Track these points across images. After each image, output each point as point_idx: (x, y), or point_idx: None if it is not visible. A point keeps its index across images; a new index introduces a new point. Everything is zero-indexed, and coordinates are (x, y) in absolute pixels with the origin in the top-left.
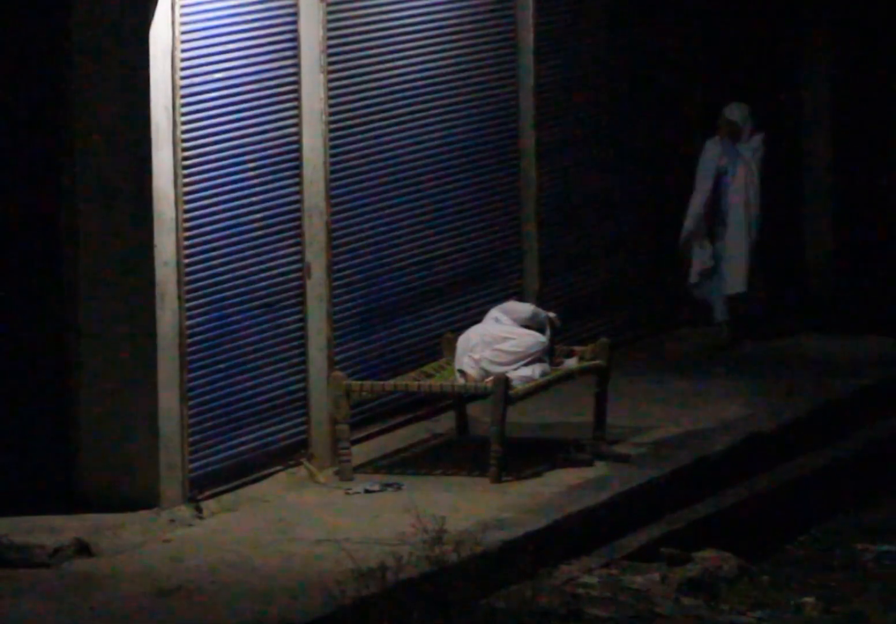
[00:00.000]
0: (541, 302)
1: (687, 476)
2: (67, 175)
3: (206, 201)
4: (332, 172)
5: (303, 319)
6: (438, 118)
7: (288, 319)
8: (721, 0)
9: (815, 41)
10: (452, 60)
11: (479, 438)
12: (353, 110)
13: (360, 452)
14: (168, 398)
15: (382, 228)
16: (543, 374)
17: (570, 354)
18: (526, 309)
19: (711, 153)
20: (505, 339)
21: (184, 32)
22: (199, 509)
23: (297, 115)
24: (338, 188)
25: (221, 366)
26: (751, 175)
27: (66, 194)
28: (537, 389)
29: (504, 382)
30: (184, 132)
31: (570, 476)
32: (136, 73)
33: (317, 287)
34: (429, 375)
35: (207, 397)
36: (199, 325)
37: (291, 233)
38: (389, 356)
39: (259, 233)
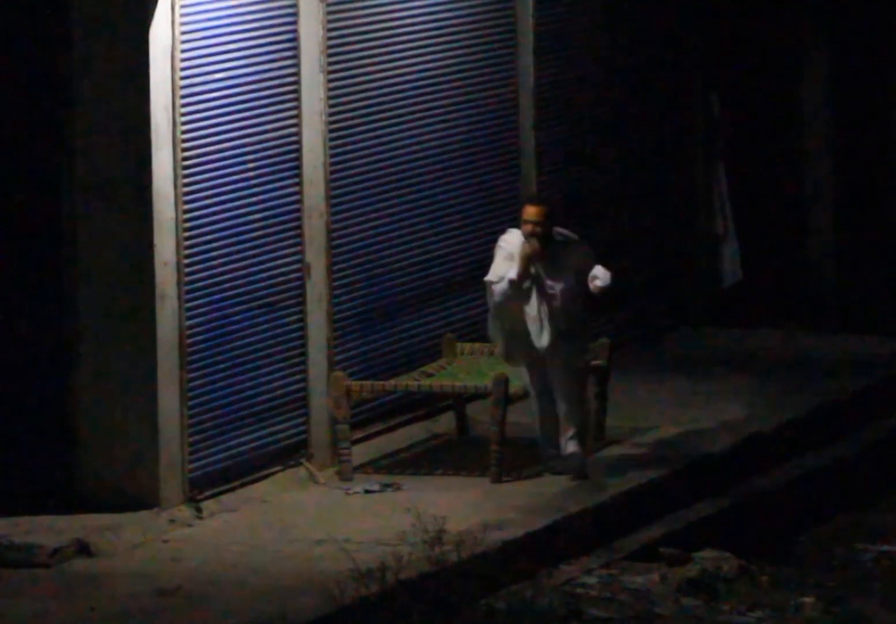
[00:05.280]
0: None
1: (687, 476)
2: (67, 175)
3: (206, 201)
4: (332, 172)
5: (303, 319)
6: (438, 118)
7: (288, 319)
8: None
9: (815, 39)
10: (452, 60)
11: (479, 438)
12: (353, 110)
13: (360, 452)
14: (168, 398)
15: (382, 228)
16: None
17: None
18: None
19: None
20: None
21: (184, 32)
22: (199, 509)
23: (297, 115)
24: (338, 188)
25: (221, 366)
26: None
27: (66, 194)
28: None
29: (504, 382)
30: (184, 132)
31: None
32: (136, 73)
33: (317, 287)
34: (429, 375)
35: (207, 397)
36: (199, 325)
37: (291, 233)
38: (389, 356)
39: (259, 233)
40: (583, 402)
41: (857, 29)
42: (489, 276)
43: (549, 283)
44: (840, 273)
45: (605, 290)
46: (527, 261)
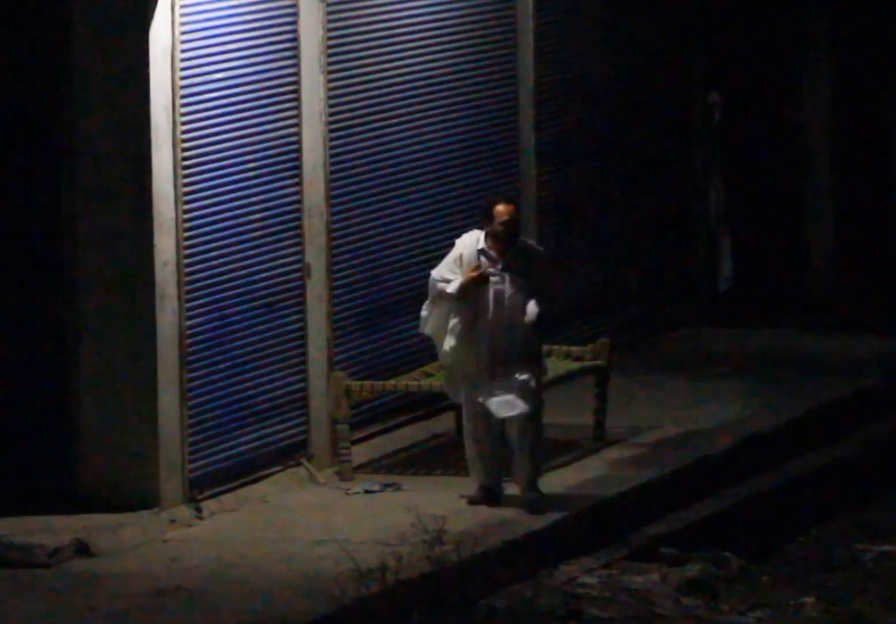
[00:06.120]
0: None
1: (687, 476)
2: (67, 175)
3: (206, 201)
4: (332, 172)
5: (303, 319)
6: (438, 118)
7: (288, 319)
8: None
9: (815, 39)
10: (452, 60)
11: None
12: (353, 110)
13: (360, 452)
14: (168, 398)
15: (382, 228)
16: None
17: (569, 355)
18: None
19: None
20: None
21: (184, 32)
22: (199, 509)
23: (297, 115)
24: (338, 188)
25: (221, 366)
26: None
27: (66, 194)
28: None
29: None
30: (184, 132)
31: (570, 476)
32: (136, 73)
33: (317, 287)
34: (429, 375)
35: (207, 397)
36: (199, 325)
37: (291, 233)
38: (389, 356)
39: (259, 233)
40: (541, 433)
41: (858, 29)
42: (433, 274)
43: (500, 288)
44: (840, 273)
45: (532, 325)
46: (471, 282)
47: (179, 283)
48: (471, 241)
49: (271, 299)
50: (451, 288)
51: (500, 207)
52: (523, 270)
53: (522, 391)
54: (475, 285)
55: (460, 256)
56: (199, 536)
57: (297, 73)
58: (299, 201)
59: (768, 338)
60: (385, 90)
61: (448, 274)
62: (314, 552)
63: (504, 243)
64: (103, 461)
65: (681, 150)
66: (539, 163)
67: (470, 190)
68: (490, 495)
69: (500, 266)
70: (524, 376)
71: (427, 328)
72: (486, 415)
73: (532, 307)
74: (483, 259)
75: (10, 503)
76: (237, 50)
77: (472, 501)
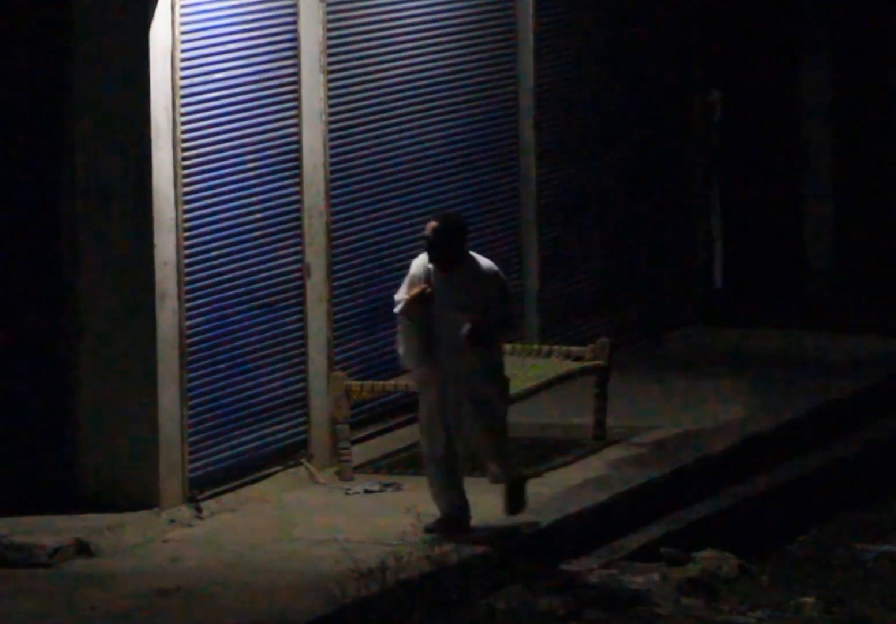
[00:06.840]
0: (541, 302)
1: (687, 476)
2: (67, 175)
3: (206, 201)
4: (332, 172)
5: (303, 319)
6: (438, 118)
7: (288, 319)
8: None
9: (815, 37)
10: (452, 60)
11: None
12: (353, 110)
13: (360, 452)
14: (168, 398)
15: (382, 229)
16: None
17: (569, 355)
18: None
19: None
20: None
21: (184, 32)
22: (199, 509)
23: (297, 115)
24: (338, 188)
25: (221, 366)
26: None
27: (66, 194)
28: (537, 389)
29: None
30: (184, 132)
31: (571, 476)
32: (136, 73)
33: (317, 287)
34: None
35: (207, 397)
36: (199, 325)
37: (291, 233)
38: (389, 356)
39: (259, 233)
40: (510, 454)
41: (857, 28)
42: (396, 296)
43: (445, 308)
44: (840, 273)
45: (470, 338)
46: (411, 301)
47: (179, 283)
48: (422, 261)
49: (271, 299)
50: (396, 309)
51: (428, 223)
52: (467, 286)
53: (484, 409)
54: (418, 303)
55: (411, 279)
56: (199, 536)
57: (297, 73)
58: (299, 201)
59: (768, 338)
60: (385, 90)
61: (403, 294)
62: (314, 552)
63: (433, 259)
64: (103, 461)
65: (681, 149)
66: (539, 163)
67: (470, 190)
68: (457, 523)
69: (442, 282)
70: (485, 397)
71: (400, 350)
72: (446, 428)
73: (466, 324)
74: (432, 278)
75: (10, 503)
76: (237, 50)
77: (432, 529)
